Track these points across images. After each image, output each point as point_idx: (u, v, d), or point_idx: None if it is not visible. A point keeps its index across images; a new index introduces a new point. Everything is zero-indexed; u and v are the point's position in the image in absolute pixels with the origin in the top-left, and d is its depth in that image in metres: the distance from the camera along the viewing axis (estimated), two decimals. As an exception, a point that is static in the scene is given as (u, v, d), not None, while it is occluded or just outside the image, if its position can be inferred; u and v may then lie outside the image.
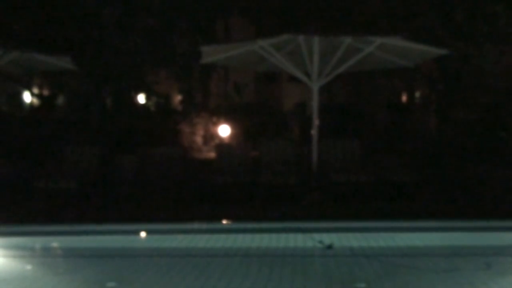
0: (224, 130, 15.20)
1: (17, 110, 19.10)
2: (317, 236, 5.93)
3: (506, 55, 13.27)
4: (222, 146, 11.39)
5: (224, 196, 8.88)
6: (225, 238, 6.52)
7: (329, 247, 5.69)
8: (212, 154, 12.46)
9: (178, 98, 20.76)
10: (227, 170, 9.64)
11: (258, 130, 15.06)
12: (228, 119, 15.45)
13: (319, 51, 8.98)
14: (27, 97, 19.54)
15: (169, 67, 16.03)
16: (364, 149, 10.21)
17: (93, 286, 4.80)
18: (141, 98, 19.86)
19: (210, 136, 15.42)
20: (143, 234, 6.88)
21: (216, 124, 15.45)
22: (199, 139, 15.39)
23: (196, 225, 6.96)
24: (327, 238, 5.85)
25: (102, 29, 13.74)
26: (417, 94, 18.57)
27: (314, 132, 9.22)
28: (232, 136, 15.09)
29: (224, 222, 7.41)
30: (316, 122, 9.23)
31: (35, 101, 18.32)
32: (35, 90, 18.26)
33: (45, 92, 17.98)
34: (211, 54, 9.83)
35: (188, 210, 8.26)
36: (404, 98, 18.53)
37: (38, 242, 6.36)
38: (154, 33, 14.21)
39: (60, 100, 17.78)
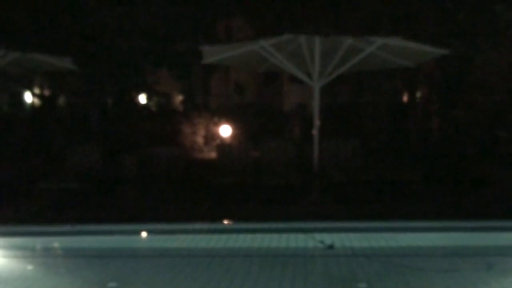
0: (225, 130, 15.21)
1: (18, 111, 19.10)
2: (318, 236, 5.93)
3: (507, 55, 13.26)
4: (223, 146, 11.39)
5: (225, 196, 8.88)
6: (226, 238, 6.52)
7: (330, 247, 5.70)
8: (213, 154, 12.47)
9: (179, 98, 20.81)
10: (228, 170, 9.66)
11: (259, 130, 15.06)
12: (229, 119, 15.45)
13: (320, 51, 8.97)
14: (28, 97, 19.54)
15: (170, 67, 16.03)
16: (365, 149, 10.23)
17: (95, 286, 4.80)
18: (142, 98, 19.86)
19: (211, 136, 15.42)
20: (144, 234, 6.88)
21: (217, 124, 15.45)
22: (200, 139, 15.39)
23: (197, 225, 6.95)
24: (328, 238, 5.85)
25: (103, 29, 13.75)
26: (418, 94, 18.53)
27: (315, 132, 9.22)
28: (233, 136, 15.09)
29: (225, 222, 7.41)
30: (317, 122, 9.23)
31: (37, 101, 18.32)
32: (36, 91, 18.27)
33: (46, 93, 17.97)
34: (212, 54, 9.83)
35: (189, 210, 8.25)
36: (405, 98, 18.50)
37: (39, 242, 6.36)
38: (155, 33, 14.22)
39: (61, 100, 17.79)
